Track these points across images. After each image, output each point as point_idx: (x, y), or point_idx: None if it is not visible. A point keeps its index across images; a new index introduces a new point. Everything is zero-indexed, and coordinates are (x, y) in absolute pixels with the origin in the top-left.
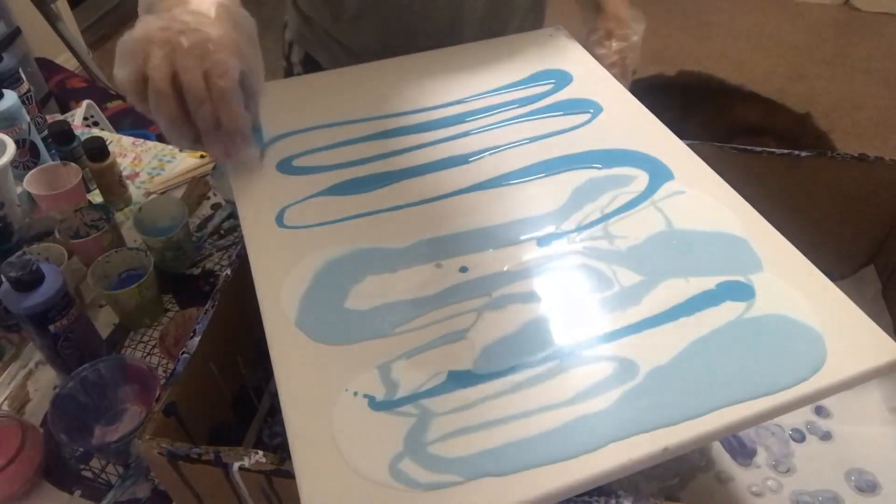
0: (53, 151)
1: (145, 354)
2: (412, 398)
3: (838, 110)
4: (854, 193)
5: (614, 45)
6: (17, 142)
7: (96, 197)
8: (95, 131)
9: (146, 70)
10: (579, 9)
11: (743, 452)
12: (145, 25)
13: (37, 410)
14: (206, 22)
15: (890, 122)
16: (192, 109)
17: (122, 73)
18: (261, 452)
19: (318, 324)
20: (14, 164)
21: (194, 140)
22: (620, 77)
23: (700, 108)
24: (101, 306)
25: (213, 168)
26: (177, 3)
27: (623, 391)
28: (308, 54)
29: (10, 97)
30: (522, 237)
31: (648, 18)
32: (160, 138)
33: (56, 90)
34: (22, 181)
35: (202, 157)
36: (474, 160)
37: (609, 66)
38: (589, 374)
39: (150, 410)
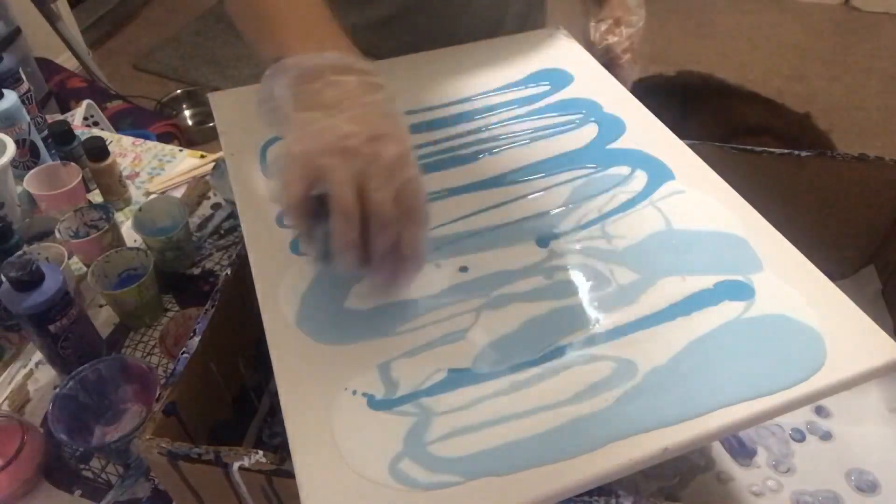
0: (53, 151)
1: (145, 354)
2: (412, 397)
3: (838, 110)
4: (854, 193)
5: (625, 31)
6: (17, 142)
7: (96, 197)
8: (95, 131)
9: (331, 187)
10: (580, 1)
11: (743, 452)
12: (314, 131)
13: (37, 410)
14: (386, 123)
15: (890, 122)
16: (373, 232)
17: (288, 190)
18: (261, 452)
19: (318, 323)
20: (14, 164)
21: (363, 264)
22: (633, 64)
23: (700, 108)
24: (101, 306)
25: (213, 168)
26: (335, 98)
27: (623, 391)
28: None
29: (10, 97)
30: (522, 237)
31: (649, 18)
32: (160, 139)
33: (56, 90)
34: (22, 181)
35: (202, 157)
36: (474, 160)
37: (622, 53)
38: (588, 374)
39: (150, 410)
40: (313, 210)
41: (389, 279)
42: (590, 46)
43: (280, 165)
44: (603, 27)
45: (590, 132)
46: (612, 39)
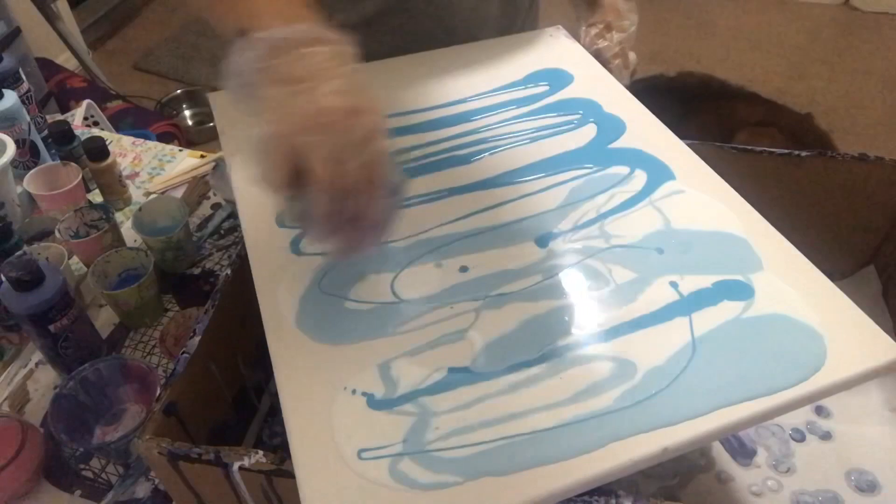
0: (53, 151)
1: (145, 354)
2: (411, 396)
3: (838, 110)
4: (854, 194)
5: (615, 36)
6: (17, 142)
7: (96, 197)
8: (95, 131)
9: (311, 164)
10: (572, 5)
11: (743, 452)
12: (291, 108)
13: (37, 410)
14: (361, 95)
15: (890, 122)
16: (342, 200)
17: (272, 173)
18: (261, 452)
19: (318, 324)
20: (14, 164)
21: (333, 232)
22: (623, 69)
23: (700, 108)
24: (101, 306)
25: (213, 168)
26: (308, 71)
27: (622, 391)
28: None
29: (10, 97)
30: (522, 237)
31: (649, 18)
32: (160, 139)
33: (56, 90)
34: (22, 181)
35: (202, 157)
36: (474, 160)
37: (612, 58)
38: (588, 374)
39: (150, 410)
40: (295, 182)
41: (350, 243)
42: None
43: (261, 148)
44: (593, 31)
45: (589, 132)
46: (601, 44)
